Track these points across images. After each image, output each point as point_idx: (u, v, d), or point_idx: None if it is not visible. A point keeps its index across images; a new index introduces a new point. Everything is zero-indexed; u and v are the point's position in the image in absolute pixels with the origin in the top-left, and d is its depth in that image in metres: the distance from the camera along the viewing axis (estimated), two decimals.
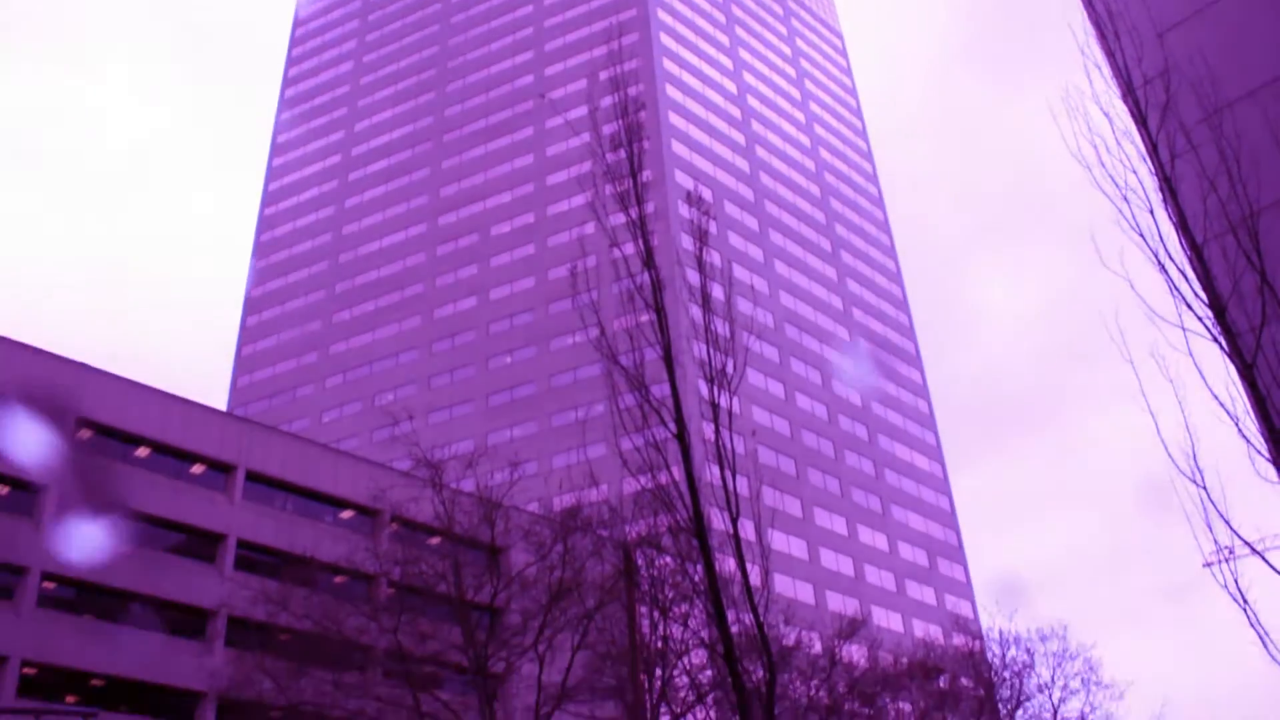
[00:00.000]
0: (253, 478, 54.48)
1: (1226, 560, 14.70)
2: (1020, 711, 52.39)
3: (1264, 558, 14.96)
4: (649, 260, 22.95)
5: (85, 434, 49.55)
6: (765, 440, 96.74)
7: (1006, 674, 52.45)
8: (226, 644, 46.58)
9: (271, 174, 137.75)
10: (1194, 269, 15.86)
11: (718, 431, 24.99)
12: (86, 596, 49.27)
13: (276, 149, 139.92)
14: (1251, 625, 14.77)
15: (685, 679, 39.72)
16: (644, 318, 23.01)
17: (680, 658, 39.46)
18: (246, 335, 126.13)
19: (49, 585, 47.51)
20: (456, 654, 39.87)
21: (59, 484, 47.61)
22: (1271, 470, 15.35)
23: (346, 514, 57.02)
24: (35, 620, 46.11)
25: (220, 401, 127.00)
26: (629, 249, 23.48)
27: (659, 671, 39.72)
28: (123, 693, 48.05)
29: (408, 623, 38.46)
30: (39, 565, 46.49)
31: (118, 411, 50.43)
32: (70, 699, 43.23)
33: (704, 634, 37.11)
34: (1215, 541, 14.82)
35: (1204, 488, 14.88)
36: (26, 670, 45.57)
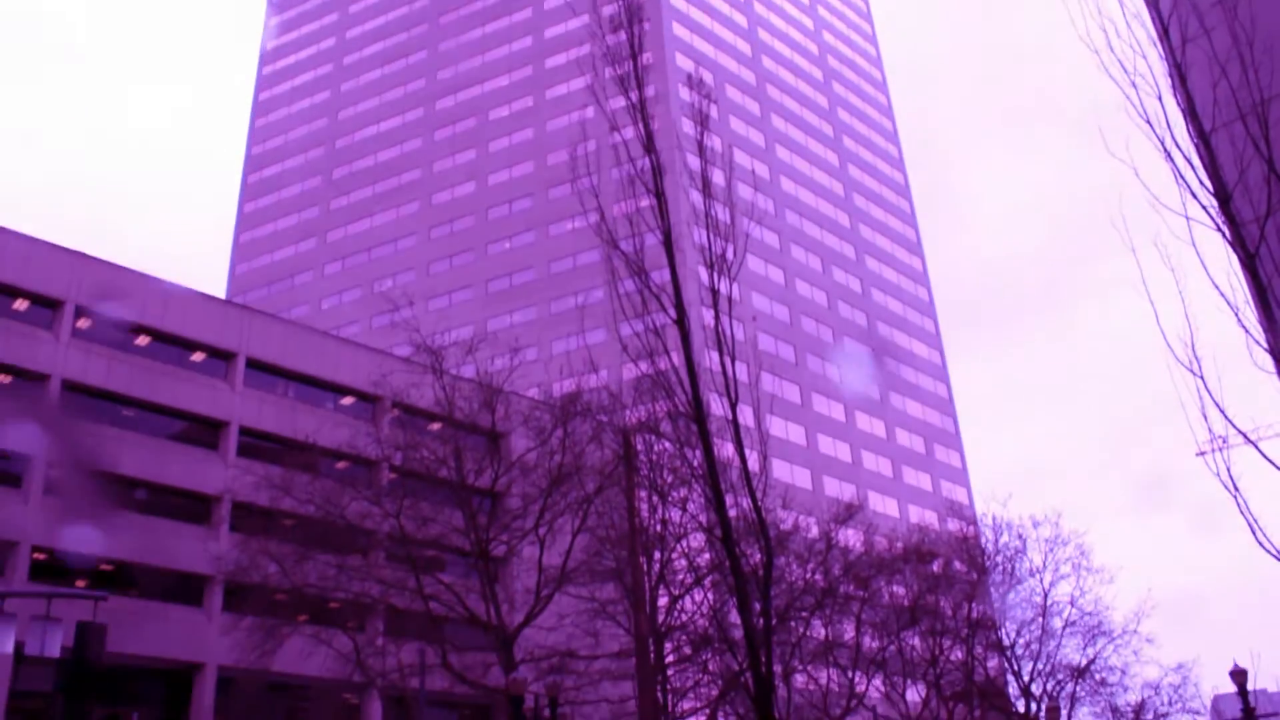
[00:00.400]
0: (253, 365, 54.62)
1: (1220, 450, 14.81)
2: (1012, 595, 53.33)
3: (1257, 447, 15.07)
4: (649, 144, 22.69)
5: (85, 322, 49.57)
6: (765, 326, 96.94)
7: (999, 559, 53.26)
8: (231, 529, 47.19)
9: (265, 59, 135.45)
10: (1200, 157, 15.66)
11: (717, 317, 24.98)
12: (92, 484, 49.80)
13: (270, 33, 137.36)
14: (1242, 513, 14.96)
15: (683, 562, 40.33)
16: (644, 203, 22.82)
17: (679, 541, 40.01)
18: (244, 222, 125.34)
19: (54, 472, 47.97)
20: (458, 537, 40.42)
21: (59, 372, 47.75)
22: (1269, 360, 15.38)
23: (347, 400, 57.32)
24: (43, 507, 46.68)
25: (219, 290, 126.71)
26: (629, 133, 23.17)
27: (657, 554, 40.30)
28: (131, 577, 48.89)
29: (409, 507, 38.90)
30: (42, 454, 46.89)
31: (117, 300, 50.36)
32: (80, 584, 44.00)
33: (702, 518, 37.57)
34: (1210, 430, 14.92)
35: (1201, 377, 14.92)
36: (37, 556, 46.26)
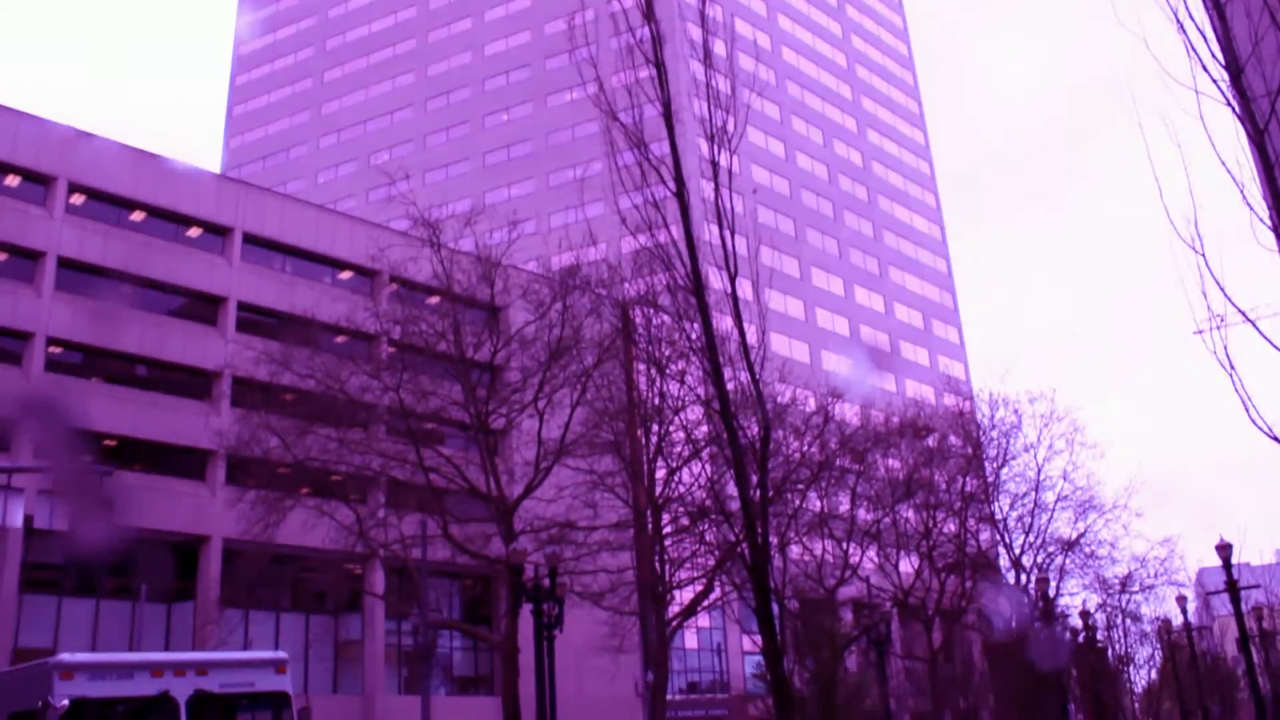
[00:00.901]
0: (250, 240, 54.30)
1: (1218, 328, 14.79)
2: (1005, 469, 53.92)
3: (1255, 325, 15.05)
4: (649, 13, 22.17)
5: (78, 199, 49.08)
6: (765, 200, 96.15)
7: (994, 434, 53.68)
8: (232, 404, 47.44)
9: None
10: (1214, 28, 15.30)
11: (717, 190, 24.68)
12: (93, 360, 49.92)
13: None
14: (1236, 390, 15.02)
15: (681, 434, 40.63)
16: (643, 74, 22.36)
17: (677, 414, 40.26)
18: (237, 95, 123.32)
19: (55, 350, 48.04)
20: (457, 411, 40.65)
21: (55, 250, 47.46)
22: (1272, 239, 15.25)
23: (345, 275, 57.15)
24: (44, 384, 46.82)
25: (214, 165, 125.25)
26: (629, 1, 22.63)
27: (656, 427, 40.58)
28: (135, 452, 49.34)
29: (409, 381, 39.03)
30: (43, 330, 46.89)
31: (110, 176, 49.78)
32: (86, 458, 44.37)
33: (700, 391, 37.72)
34: (1208, 308, 14.87)
35: (1202, 254, 14.82)
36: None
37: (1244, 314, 15.10)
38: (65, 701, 11.38)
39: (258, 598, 49.25)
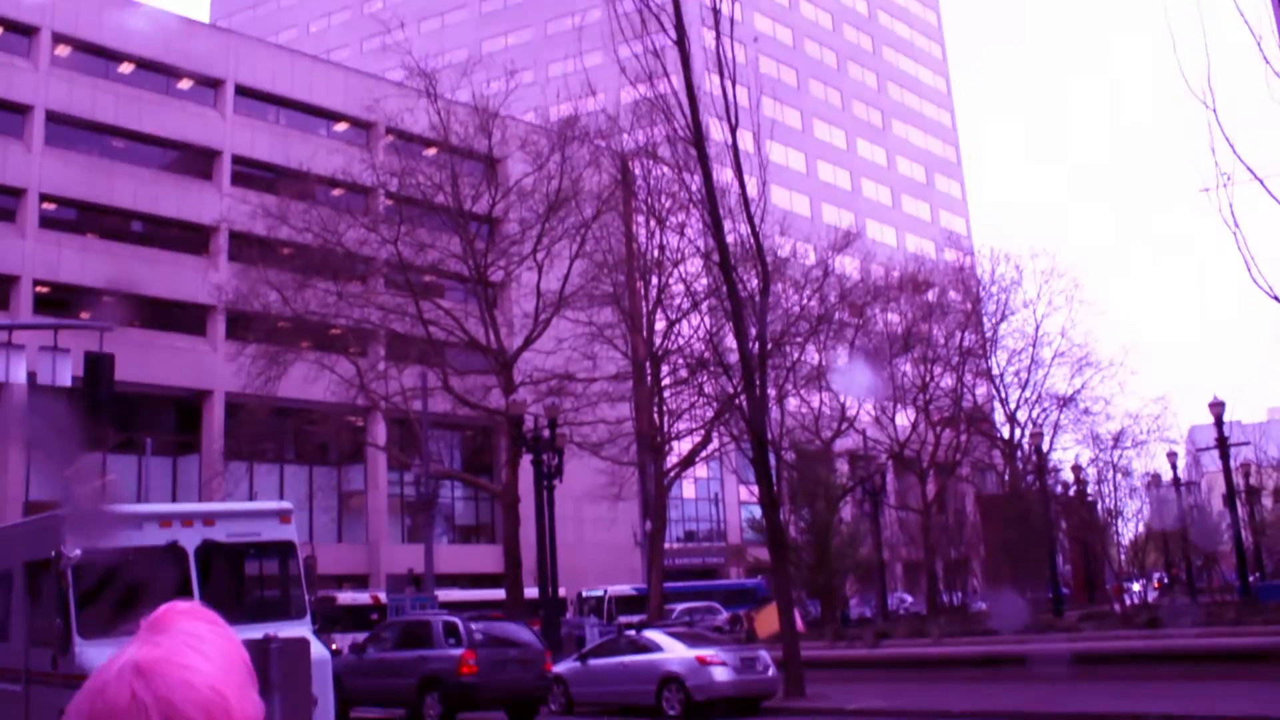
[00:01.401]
0: (242, 92, 53.34)
1: (1224, 186, 14.63)
2: (1004, 325, 53.99)
3: (1263, 183, 14.88)
4: None
5: (63, 50, 48.02)
6: (767, 49, 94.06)
7: (994, 289, 53.56)
8: (230, 259, 47.27)
9: None
10: None
11: (718, 39, 24.17)
12: (87, 216, 49.53)
13: None
14: (1239, 249, 14.94)
15: (681, 287, 40.59)
16: None
17: (676, 266, 40.15)
18: None
19: (49, 206, 47.60)
20: (456, 263, 40.53)
21: (42, 103, 46.63)
22: None
23: (340, 126, 56.30)
24: (40, 241, 46.57)
25: (202, 14, 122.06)
26: None
27: (655, 279, 40.51)
28: (134, 308, 49.32)
29: (407, 233, 38.82)
30: (35, 186, 46.39)
31: (95, 26, 48.60)
32: (83, 315, 44.42)
33: (700, 243, 37.54)
34: (1216, 165, 14.70)
35: (1214, 110, 14.57)
36: (39, 289, 46.51)
37: (1252, 171, 14.94)
38: (77, 552, 11.56)
39: (261, 450, 49.83)
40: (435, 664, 20.57)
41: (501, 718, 21.14)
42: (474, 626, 21.09)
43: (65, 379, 21.04)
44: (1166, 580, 54.35)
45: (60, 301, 45.50)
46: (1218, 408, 38.95)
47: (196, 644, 1.49)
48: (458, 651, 20.31)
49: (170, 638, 1.49)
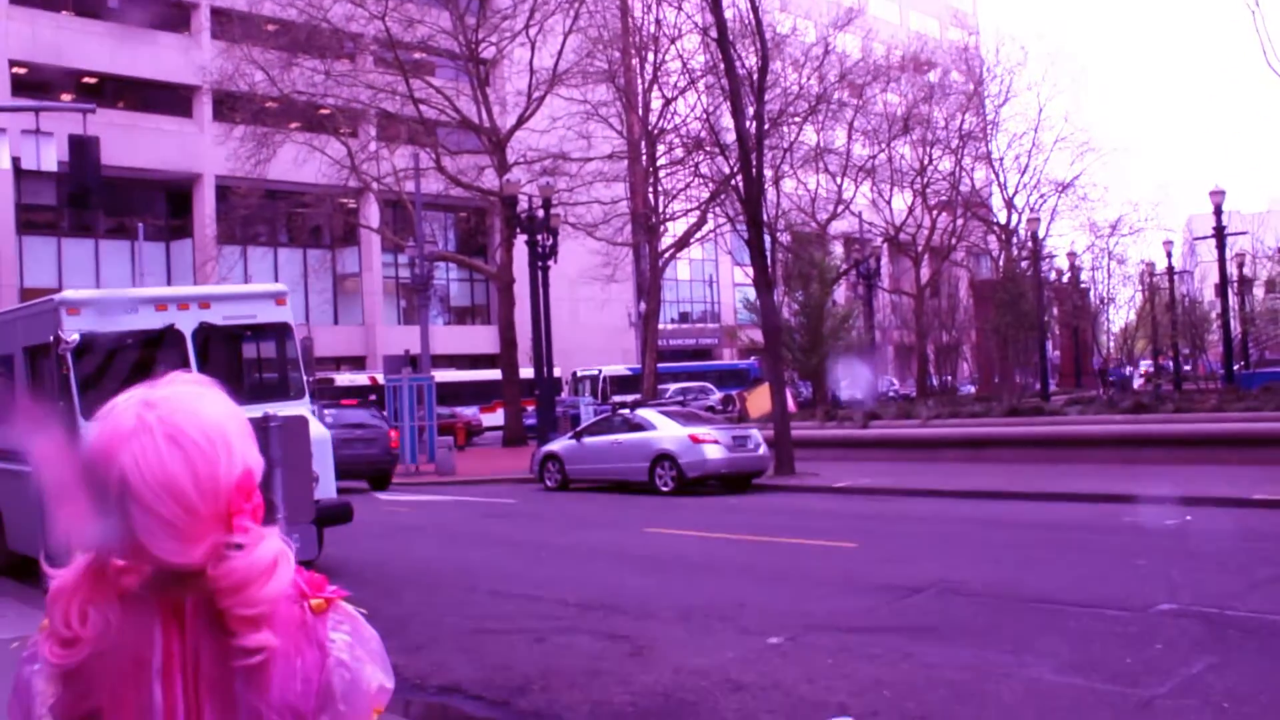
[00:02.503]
0: None
1: None
2: (1006, 107, 52.97)
3: None
4: None
5: None
6: None
7: (998, 70, 52.33)
8: (213, 38, 45.94)
9: None
10: None
11: None
12: None
13: None
14: (1256, 30, 14.51)
15: (678, 64, 39.67)
16: None
17: (673, 43, 39.08)
18: None
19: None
20: (446, 40, 39.49)
21: None
22: None
23: None
24: (12, 19, 45.04)
25: None
26: None
27: (651, 56, 39.55)
28: (117, 90, 48.21)
29: (395, 8, 37.65)
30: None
31: None
32: (65, 97, 43.36)
33: (698, 19, 36.44)
34: None
35: None
36: (16, 70, 45.27)
37: None
38: (75, 336, 11.58)
39: (254, 234, 49.63)
40: None
41: (364, 486, 24.73)
42: (327, 413, 23.34)
43: (50, 164, 20.70)
44: (1153, 369, 55.01)
45: (39, 84, 44.40)
46: (1218, 195, 38.66)
47: (200, 394, 1.61)
48: None
49: (175, 388, 1.60)
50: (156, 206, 51.57)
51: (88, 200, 21.49)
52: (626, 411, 25.29)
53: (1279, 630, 8.76)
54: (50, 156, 20.45)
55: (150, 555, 1.53)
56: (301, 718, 1.59)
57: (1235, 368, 42.28)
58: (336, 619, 1.64)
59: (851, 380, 40.86)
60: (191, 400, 1.59)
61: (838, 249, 55.61)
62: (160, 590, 1.59)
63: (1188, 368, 50.54)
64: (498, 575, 12.93)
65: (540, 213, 30.62)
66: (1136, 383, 50.82)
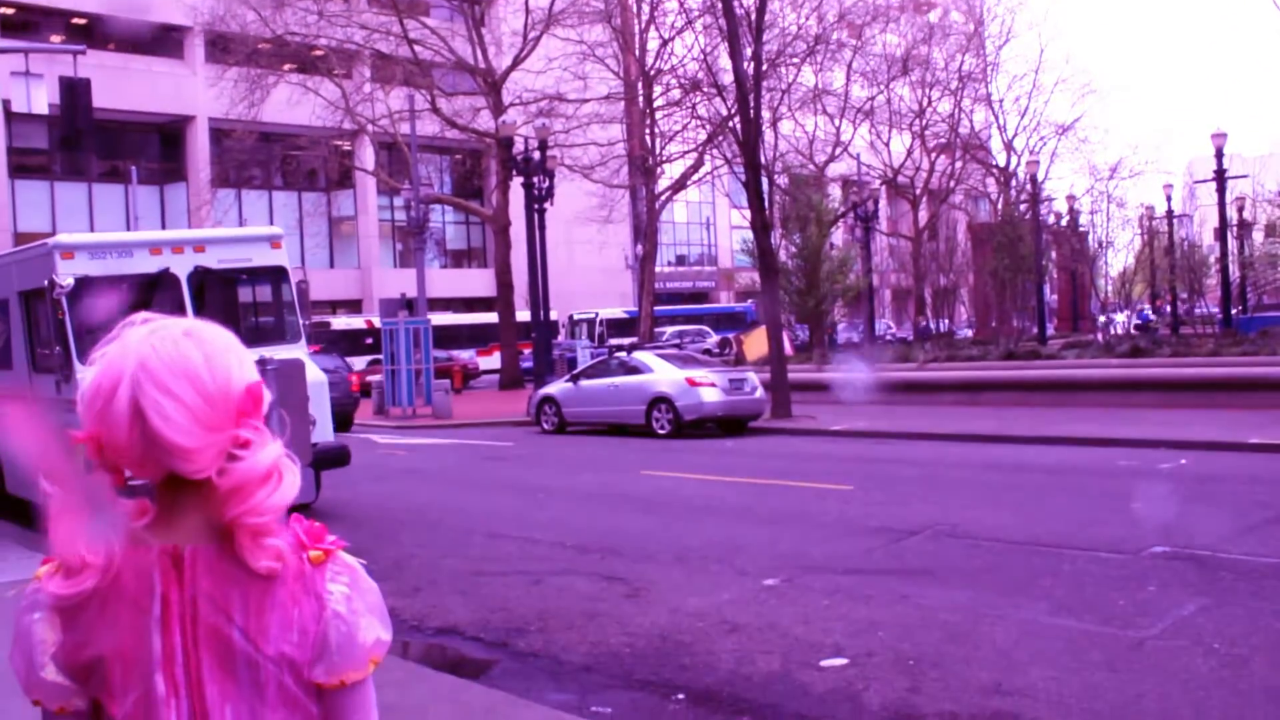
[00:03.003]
0: None
1: None
2: (1007, 48, 52.51)
3: None
4: None
5: None
6: None
7: (999, 9, 51.87)
8: None
9: None
10: None
11: None
12: None
13: None
14: None
15: (675, 3, 39.23)
16: None
17: None
18: None
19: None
20: None
21: None
22: None
23: None
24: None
25: None
26: None
27: None
28: (107, 31, 47.60)
29: None
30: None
31: None
32: (55, 39, 42.88)
33: None
34: None
35: None
36: (5, 10, 44.74)
37: None
38: (70, 280, 11.54)
39: (249, 177, 49.33)
40: None
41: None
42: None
43: (41, 106, 20.47)
44: (1152, 315, 54.86)
45: (26, 24, 43.88)
46: (1220, 138, 38.39)
47: (203, 322, 1.65)
48: None
49: (178, 318, 1.64)
50: (149, 150, 51.23)
51: (80, 143, 21.28)
52: (623, 354, 25.28)
53: (1271, 572, 8.82)
54: (41, 99, 20.22)
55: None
56: (298, 668, 1.60)
57: (1233, 312, 42.20)
58: (335, 570, 1.64)
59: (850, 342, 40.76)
60: (198, 322, 1.64)
61: (836, 191, 55.32)
62: (163, 530, 1.59)
63: (1194, 311, 50.42)
64: (495, 518, 13.00)
65: (536, 155, 30.42)
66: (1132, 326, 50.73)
